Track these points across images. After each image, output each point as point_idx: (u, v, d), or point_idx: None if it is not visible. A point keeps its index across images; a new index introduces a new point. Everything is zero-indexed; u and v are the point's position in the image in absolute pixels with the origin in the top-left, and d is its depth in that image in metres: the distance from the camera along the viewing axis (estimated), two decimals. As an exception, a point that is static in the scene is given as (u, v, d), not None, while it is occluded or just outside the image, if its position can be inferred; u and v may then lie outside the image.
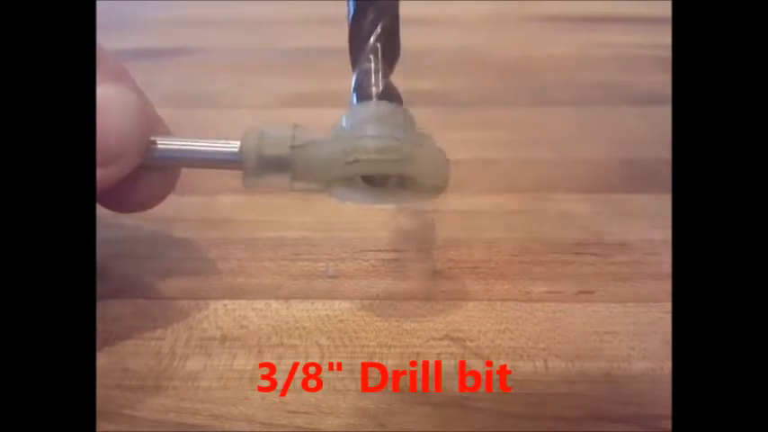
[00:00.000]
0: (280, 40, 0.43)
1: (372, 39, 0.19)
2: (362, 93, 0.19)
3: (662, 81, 0.35)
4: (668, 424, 0.16)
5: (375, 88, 0.19)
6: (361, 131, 0.18)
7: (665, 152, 0.22)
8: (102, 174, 0.17)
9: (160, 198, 0.20)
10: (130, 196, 0.19)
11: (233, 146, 0.19)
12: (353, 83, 0.19)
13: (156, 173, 0.19)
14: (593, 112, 0.33)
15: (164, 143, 0.19)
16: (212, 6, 0.49)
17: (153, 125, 0.19)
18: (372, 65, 0.19)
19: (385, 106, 0.18)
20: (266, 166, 0.18)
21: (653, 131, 0.30)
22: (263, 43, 0.43)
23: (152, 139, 0.19)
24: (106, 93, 0.17)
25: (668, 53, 0.16)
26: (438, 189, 0.19)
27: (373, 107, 0.18)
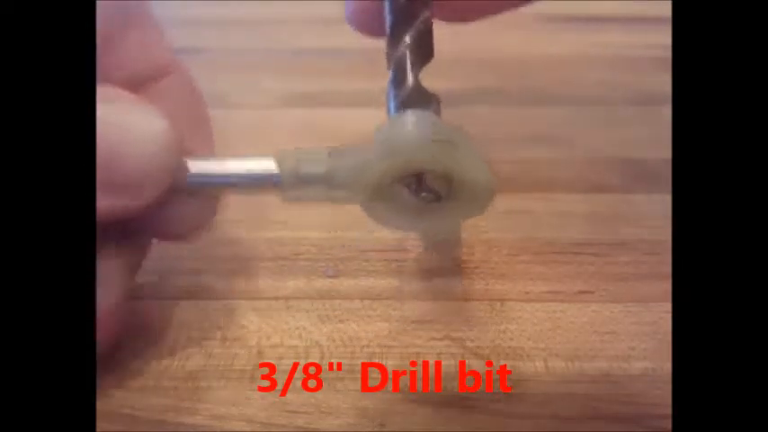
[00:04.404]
0: (280, 40, 0.43)
1: (408, 38, 0.20)
2: (398, 81, 0.19)
3: (662, 81, 0.35)
4: (668, 424, 0.17)
5: (411, 77, 0.19)
6: (401, 126, 0.18)
7: (665, 152, 0.22)
8: (118, 203, 0.16)
9: (197, 227, 0.19)
10: (164, 225, 0.18)
11: (269, 164, 0.18)
12: (389, 78, 0.19)
13: (191, 201, 0.18)
14: (593, 111, 0.33)
15: (197, 166, 0.18)
16: (212, 6, 0.49)
17: (185, 149, 0.18)
18: (408, 61, 0.19)
19: (421, 112, 0.18)
20: (305, 180, 0.18)
21: (653, 131, 0.30)
22: (263, 43, 0.43)
23: (185, 161, 0.18)
24: (129, 116, 0.16)
25: (668, 53, 0.16)
26: (488, 192, 0.18)
27: (410, 114, 0.18)
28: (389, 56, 0.20)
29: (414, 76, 0.19)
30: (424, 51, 0.20)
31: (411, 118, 0.18)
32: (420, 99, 0.19)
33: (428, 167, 0.18)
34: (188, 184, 0.18)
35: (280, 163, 0.18)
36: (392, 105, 0.19)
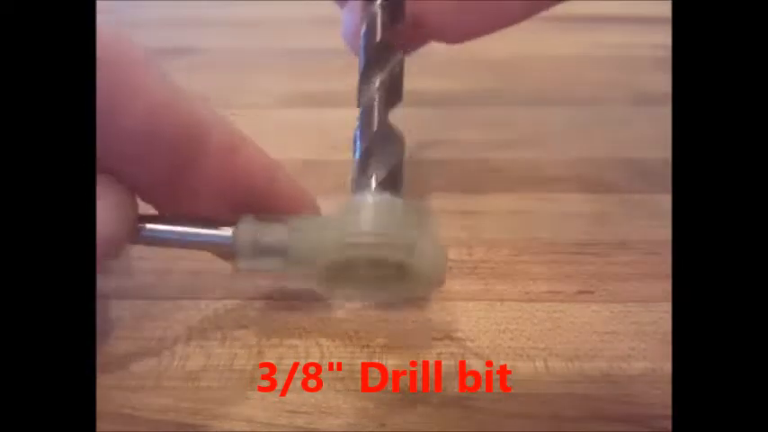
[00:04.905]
0: (280, 40, 0.43)
1: (377, 82, 0.20)
2: (365, 123, 0.20)
3: (662, 81, 0.35)
4: (668, 424, 0.17)
5: (378, 120, 0.20)
6: (359, 215, 0.18)
7: (665, 152, 0.22)
8: None
9: None
10: None
11: (225, 232, 0.18)
12: (358, 118, 0.20)
13: None
14: (593, 111, 0.33)
15: (152, 227, 0.18)
16: (212, 6, 0.49)
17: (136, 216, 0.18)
18: (376, 104, 0.20)
19: (384, 196, 0.19)
20: (261, 252, 0.18)
21: (653, 131, 0.30)
22: (263, 43, 0.43)
23: (140, 225, 0.18)
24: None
25: (668, 53, 0.16)
26: (435, 283, 0.19)
27: (371, 197, 0.19)
28: (360, 96, 0.20)
29: (381, 120, 0.20)
30: (393, 95, 0.20)
31: (373, 215, 0.18)
32: (385, 144, 0.19)
33: (385, 259, 0.18)
34: (142, 240, 0.18)
35: (237, 233, 0.18)
36: (358, 147, 0.20)
